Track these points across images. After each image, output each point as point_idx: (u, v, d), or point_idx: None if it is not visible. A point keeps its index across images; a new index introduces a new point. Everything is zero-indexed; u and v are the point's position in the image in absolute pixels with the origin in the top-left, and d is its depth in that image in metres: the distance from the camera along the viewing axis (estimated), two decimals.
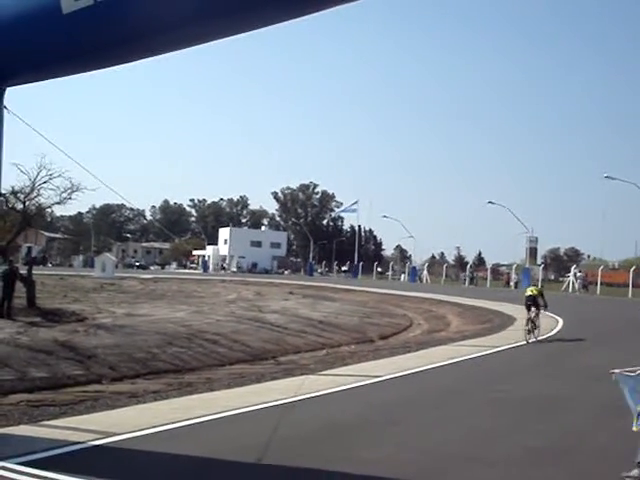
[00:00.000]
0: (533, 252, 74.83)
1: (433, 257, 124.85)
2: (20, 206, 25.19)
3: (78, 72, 7.61)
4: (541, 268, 67.49)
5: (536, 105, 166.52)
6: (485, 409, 10.61)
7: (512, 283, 63.88)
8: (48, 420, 9.48)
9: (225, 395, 11.52)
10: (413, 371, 13.98)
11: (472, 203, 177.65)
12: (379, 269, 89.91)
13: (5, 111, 8.05)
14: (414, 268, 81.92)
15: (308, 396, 11.08)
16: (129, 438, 8.16)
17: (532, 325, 19.66)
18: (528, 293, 20.58)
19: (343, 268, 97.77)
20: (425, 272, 79.49)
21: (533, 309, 19.89)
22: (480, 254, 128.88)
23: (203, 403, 10.72)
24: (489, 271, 74.82)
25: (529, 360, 16.37)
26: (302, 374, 13.96)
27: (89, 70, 7.54)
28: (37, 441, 8.14)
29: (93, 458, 7.51)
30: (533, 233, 73.63)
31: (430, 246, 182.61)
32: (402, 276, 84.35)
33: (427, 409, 10.63)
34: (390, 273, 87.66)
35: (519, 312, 29.35)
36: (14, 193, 24.57)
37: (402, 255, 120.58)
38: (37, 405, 11.10)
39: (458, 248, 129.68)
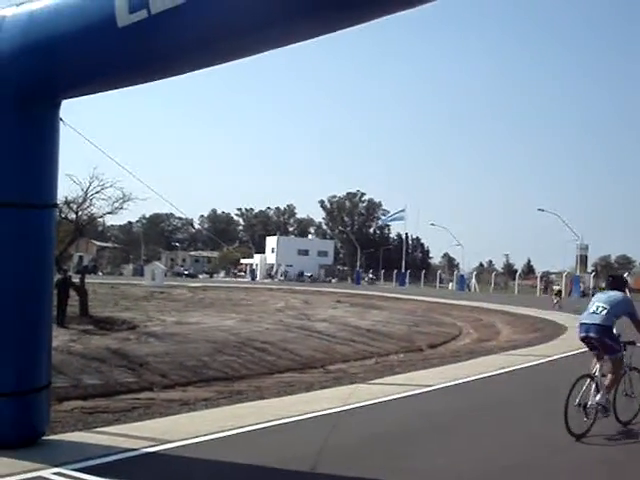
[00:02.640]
0: (583, 260, 73.71)
1: (481, 265, 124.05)
2: (73, 216, 25.70)
3: (133, 84, 7.72)
4: (592, 276, 66.41)
5: (584, 111, 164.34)
6: (539, 419, 10.42)
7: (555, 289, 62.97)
8: (102, 427, 9.60)
9: (275, 403, 11.53)
10: (463, 380, 13.83)
11: (521, 210, 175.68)
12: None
13: (61, 123, 8.22)
14: (462, 276, 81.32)
15: (358, 405, 11.02)
16: (182, 445, 8.22)
17: (559, 305, 39.69)
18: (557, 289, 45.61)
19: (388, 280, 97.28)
20: (474, 280, 78.92)
21: (558, 297, 42.04)
22: (529, 262, 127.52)
23: (254, 411, 10.74)
24: (538, 279, 73.93)
25: (583, 369, 16.06)
26: (351, 383, 13.90)
27: (144, 82, 7.66)
28: (91, 447, 8.25)
29: (147, 465, 7.58)
30: (583, 241, 72.58)
31: (478, 254, 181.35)
32: (450, 284, 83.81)
33: (479, 419, 10.49)
34: (438, 281, 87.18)
35: (570, 321, 28.97)
36: (67, 203, 25.09)
37: (450, 263, 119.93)
38: (91, 412, 11.27)
39: (507, 256, 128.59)
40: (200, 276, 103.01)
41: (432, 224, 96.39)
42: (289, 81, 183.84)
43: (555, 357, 17.72)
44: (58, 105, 8.11)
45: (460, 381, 13.71)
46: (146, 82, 7.70)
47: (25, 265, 7.73)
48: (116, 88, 8.00)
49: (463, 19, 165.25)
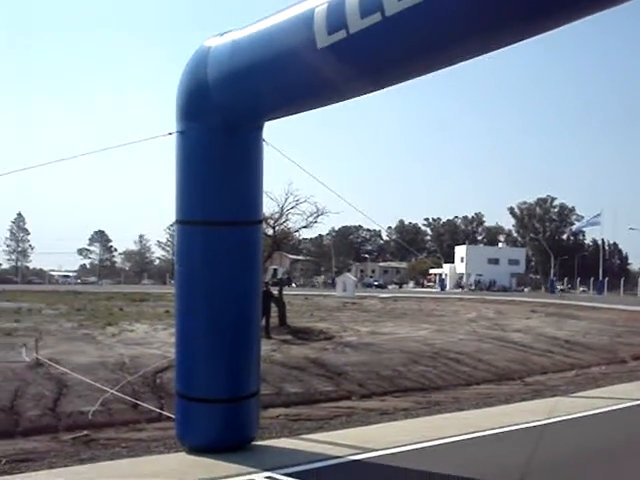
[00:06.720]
0: None
1: None
2: (270, 231, 26.73)
3: (330, 103, 7.99)
4: None
5: None
6: None
7: None
8: (306, 434, 9.96)
9: (475, 415, 11.43)
10: None
11: None
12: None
13: (264, 143, 8.66)
14: None
15: (562, 418, 10.69)
16: (385, 454, 8.35)
17: None
18: None
19: (583, 288, 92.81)
20: None
21: None
22: None
23: (454, 422, 10.71)
24: None
25: None
26: (552, 395, 13.54)
27: (341, 100, 7.90)
28: (299, 453, 8.57)
29: (353, 472, 7.78)
30: None
31: None
32: None
33: None
34: (639, 289, 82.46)
35: None
36: (265, 219, 26.13)
37: None
38: (295, 419, 11.71)
39: None
40: (389, 287, 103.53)
41: (631, 228, 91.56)
42: (472, 87, 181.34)
43: None
44: (261, 127, 8.56)
45: None
46: (343, 100, 7.93)
47: (237, 279, 8.21)
48: (315, 108, 8.30)
49: None
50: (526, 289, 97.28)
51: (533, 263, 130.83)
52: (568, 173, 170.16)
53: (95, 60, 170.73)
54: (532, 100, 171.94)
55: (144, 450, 9.06)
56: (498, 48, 6.45)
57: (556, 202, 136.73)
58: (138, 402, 12.15)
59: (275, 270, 77.27)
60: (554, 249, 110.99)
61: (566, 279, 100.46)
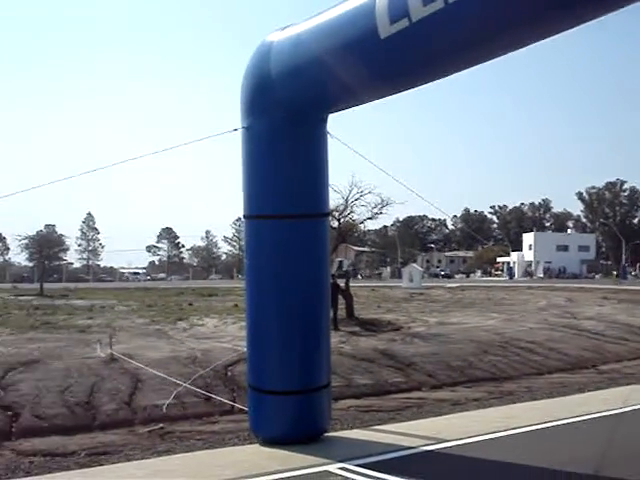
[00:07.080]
0: None
1: None
2: (335, 224, 26.74)
3: (395, 93, 7.94)
4: None
5: None
6: None
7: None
8: (378, 425, 9.97)
9: (548, 404, 11.28)
10: None
11: None
12: None
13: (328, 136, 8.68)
14: None
15: (638, 407, 10.45)
16: (458, 445, 8.31)
17: None
18: None
19: None
20: None
21: None
22: None
23: (527, 412, 10.58)
24: None
25: None
26: (627, 384, 13.28)
27: (405, 89, 7.84)
28: (371, 444, 8.59)
29: (426, 463, 7.76)
30: None
31: None
32: None
33: None
34: None
35: None
36: (330, 212, 26.14)
37: None
38: (366, 410, 11.73)
39: None
40: (456, 276, 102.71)
41: None
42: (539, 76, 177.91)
43: None
44: (325, 119, 8.58)
45: None
46: (407, 89, 7.87)
47: (306, 272, 8.27)
48: (378, 98, 8.26)
49: None
50: (597, 275, 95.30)
51: (604, 249, 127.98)
52: (637, 155, 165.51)
53: (158, 62, 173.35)
54: (599, 82, 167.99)
55: (219, 442, 9.21)
56: (561, 31, 6.34)
57: (626, 186, 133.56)
58: (211, 395, 12.33)
59: (340, 262, 77.48)
60: (625, 234, 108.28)
61: (639, 264, 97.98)
